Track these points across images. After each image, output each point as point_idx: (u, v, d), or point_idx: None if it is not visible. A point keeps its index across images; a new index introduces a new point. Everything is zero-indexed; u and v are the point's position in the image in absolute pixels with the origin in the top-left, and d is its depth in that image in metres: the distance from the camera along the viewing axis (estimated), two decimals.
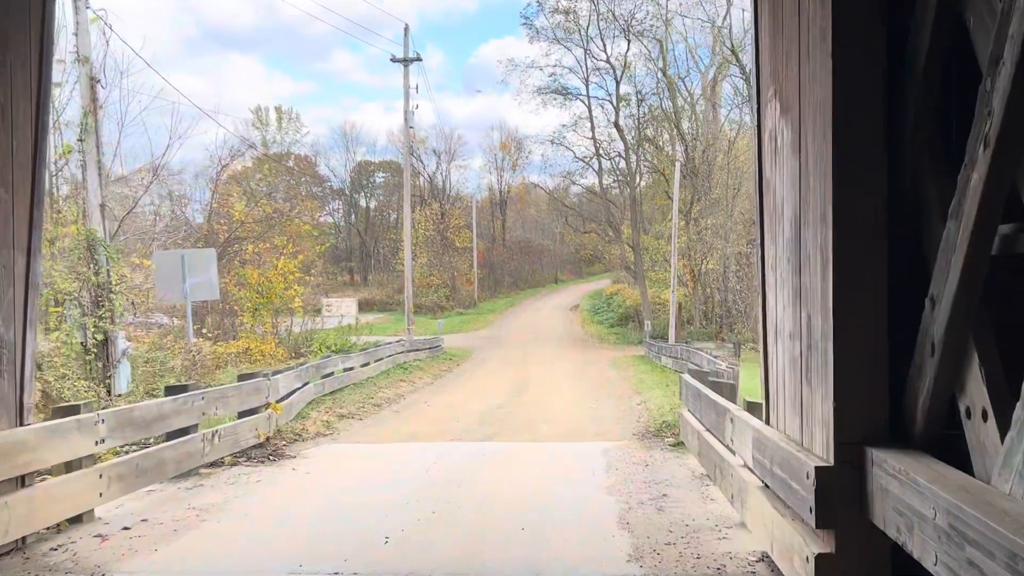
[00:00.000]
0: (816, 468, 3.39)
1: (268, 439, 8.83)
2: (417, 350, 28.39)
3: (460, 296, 72.53)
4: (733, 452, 5.48)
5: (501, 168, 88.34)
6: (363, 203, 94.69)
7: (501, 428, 11.63)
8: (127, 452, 6.73)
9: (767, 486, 4.46)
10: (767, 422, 4.85)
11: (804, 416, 3.92)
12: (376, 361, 21.92)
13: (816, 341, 3.67)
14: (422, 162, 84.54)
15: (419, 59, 32.82)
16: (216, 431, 7.63)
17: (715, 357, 17.07)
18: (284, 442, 9.26)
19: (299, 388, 13.28)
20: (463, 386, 20.12)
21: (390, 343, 28.72)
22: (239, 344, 28.56)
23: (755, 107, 5.00)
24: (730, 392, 6.93)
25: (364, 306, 67.95)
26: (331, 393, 16.23)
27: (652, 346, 32.02)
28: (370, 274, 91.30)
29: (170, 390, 7.36)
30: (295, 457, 8.46)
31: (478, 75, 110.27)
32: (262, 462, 8.08)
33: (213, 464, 7.71)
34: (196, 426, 7.31)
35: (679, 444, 8.84)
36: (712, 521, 5.54)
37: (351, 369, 18.84)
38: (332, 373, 17.18)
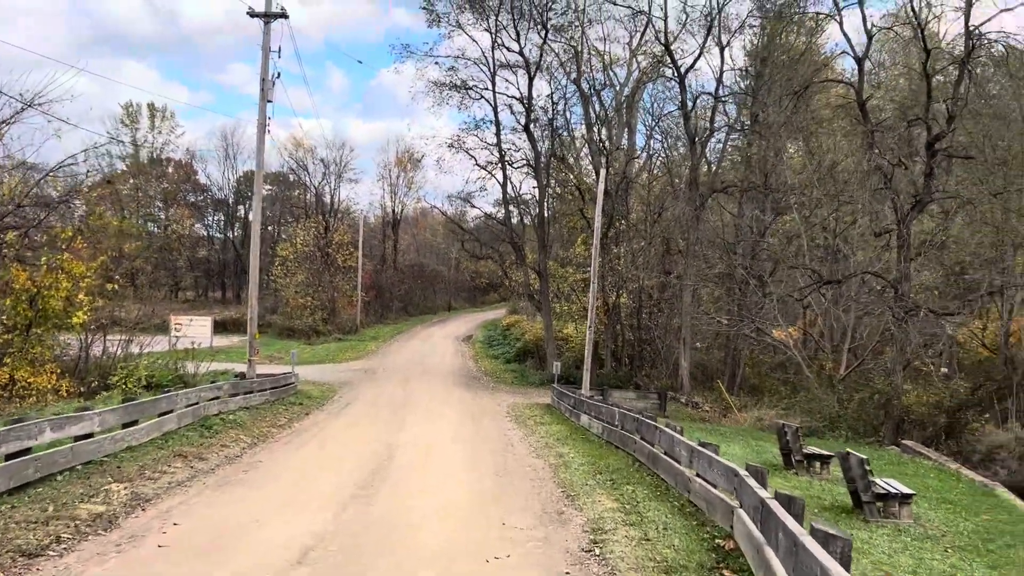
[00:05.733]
0: None
1: None
2: (249, 392, 20.44)
3: (340, 320, 64.62)
4: None
5: (395, 186, 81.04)
6: (244, 215, 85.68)
7: None
8: None
9: None
10: None
11: None
12: (161, 415, 14.09)
13: None
14: (307, 171, 76.25)
15: (285, 15, 25.28)
16: None
17: (683, 432, 10.39)
18: None
19: None
20: (283, 471, 12.43)
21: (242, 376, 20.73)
22: None
23: None
24: None
25: (232, 326, 58.96)
26: None
27: (563, 395, 25.17)
28: (243, 291, 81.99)
29: None
30: None
31: (379, 98, 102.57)
32: None
33: None
34: None
35: None
36: None
37: (87, 437, 11.05)
38: (29, 450, 9.44)
